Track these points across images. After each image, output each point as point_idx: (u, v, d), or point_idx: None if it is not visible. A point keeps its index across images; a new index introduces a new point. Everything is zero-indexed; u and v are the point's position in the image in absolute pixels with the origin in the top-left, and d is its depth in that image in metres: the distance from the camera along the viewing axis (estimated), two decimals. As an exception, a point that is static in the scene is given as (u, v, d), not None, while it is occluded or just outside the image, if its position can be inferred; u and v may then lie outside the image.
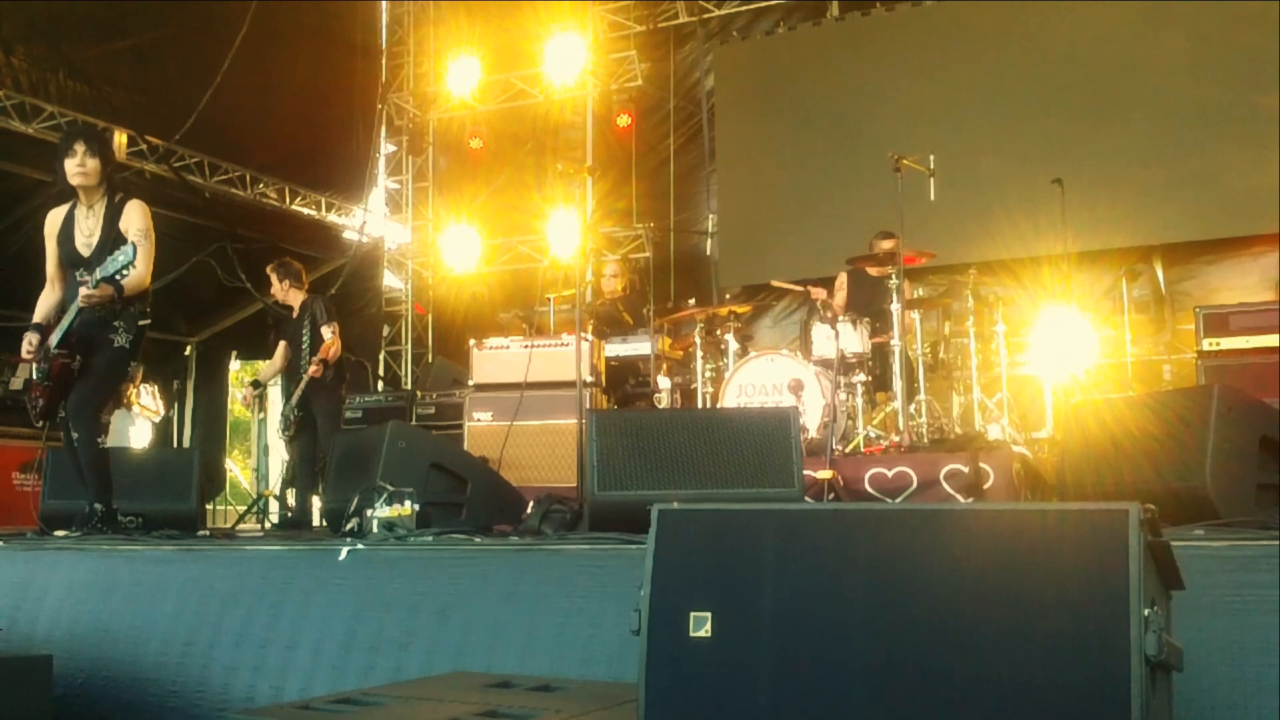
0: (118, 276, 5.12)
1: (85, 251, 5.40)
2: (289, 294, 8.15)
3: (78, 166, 5.33)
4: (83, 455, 5.35)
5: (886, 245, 7.91)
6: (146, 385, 11.82)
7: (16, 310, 9.79)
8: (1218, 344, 7.27)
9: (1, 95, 9.87)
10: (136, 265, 5.22)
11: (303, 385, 7.81)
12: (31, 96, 10.09)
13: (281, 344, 8.20)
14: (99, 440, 5.48)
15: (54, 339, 5.36)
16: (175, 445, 12.77)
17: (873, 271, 8.34)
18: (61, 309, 5.49)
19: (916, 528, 2.16)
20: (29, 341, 5.42)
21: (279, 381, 8.52)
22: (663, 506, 2.32)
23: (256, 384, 8.69)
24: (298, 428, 7.91)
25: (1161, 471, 4.25)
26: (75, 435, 5.33)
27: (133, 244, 5.15)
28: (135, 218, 5.38)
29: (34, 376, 5.41)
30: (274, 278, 8.23)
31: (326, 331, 7.85)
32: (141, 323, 5.43)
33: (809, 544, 2.21)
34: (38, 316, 5.55)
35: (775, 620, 2.16)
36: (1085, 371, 8.26)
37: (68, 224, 5.47)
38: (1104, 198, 9.42)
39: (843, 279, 8.61)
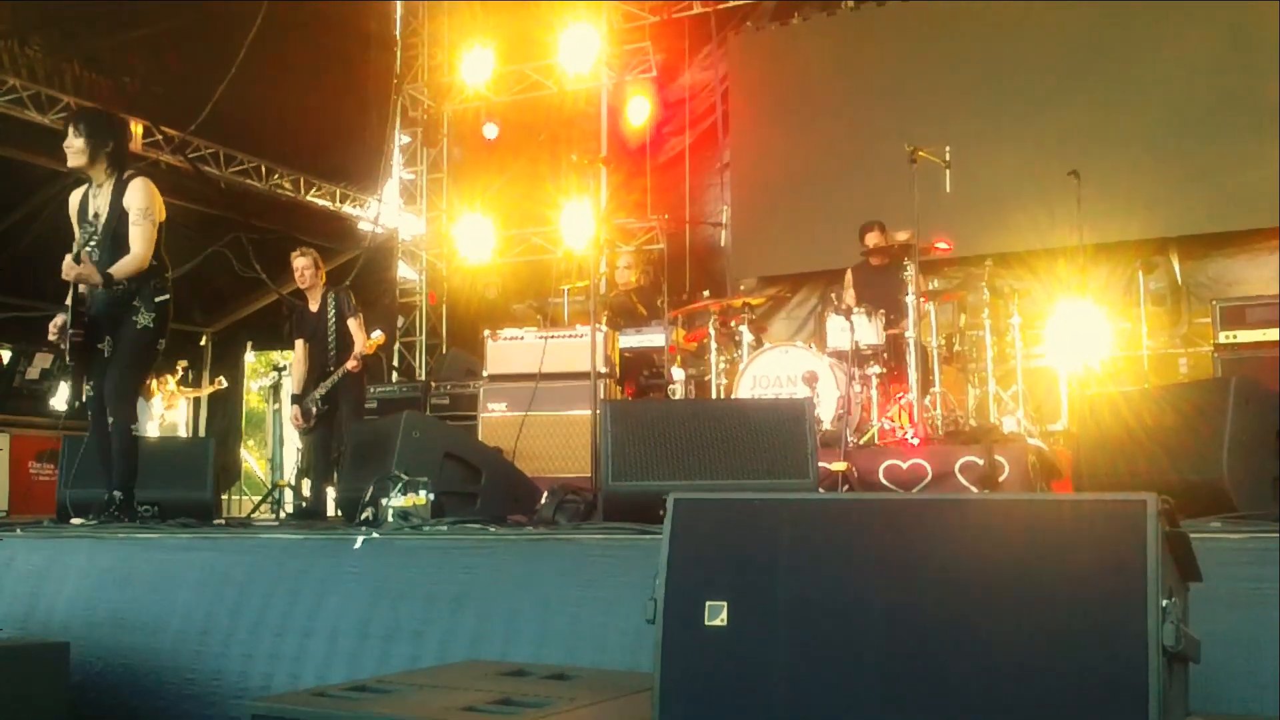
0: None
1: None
2: (315, 284, 8.12)
3: (67, 147, 5.40)
4: (116, 440, 5.36)
5: (871, 237, 8.34)
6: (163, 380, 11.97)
7: (33, 300, 9.87)
8: (1234, 336, 7.25)
9: (18, 85, 9.91)
10: (132, 245, 5.29)
11: (335, 379, 7.79)
12: (47, 87, 10.13)
13: (300, 342, 8.11)
14: (133, 426, 5.50)
15: (66, 319, 5.37)
16: (191, 435, 12.84)
17: (873, 261, 8.36)
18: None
19: (932, 518, 2.15)
20: (54, 323, 5.44)
21: (290, 370, 8.48)
22: (679, 495, 2.32)
23: (296, 398, 8.08)
24: (317, 419, 7.89)
25: (1178, 464, 4.23)
26: (111, 419, 5.36)
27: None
28: (137, 196, 5.38)
29: (65, 361, 5.45)
30: (307, 264, 8.06)
31: (353, 324, 7.85)
32: (160, 299, 5.43)
33: (824, 534, 2.21)
34: (69, 300, 5.58)
35: (790, 609, 2.15)
36: (1101, 364, 8.24)
37: (83, 205, 5.52)
38: (1120, 190, 9.39)
39: (849, 278, 8.61)
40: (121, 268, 5.28)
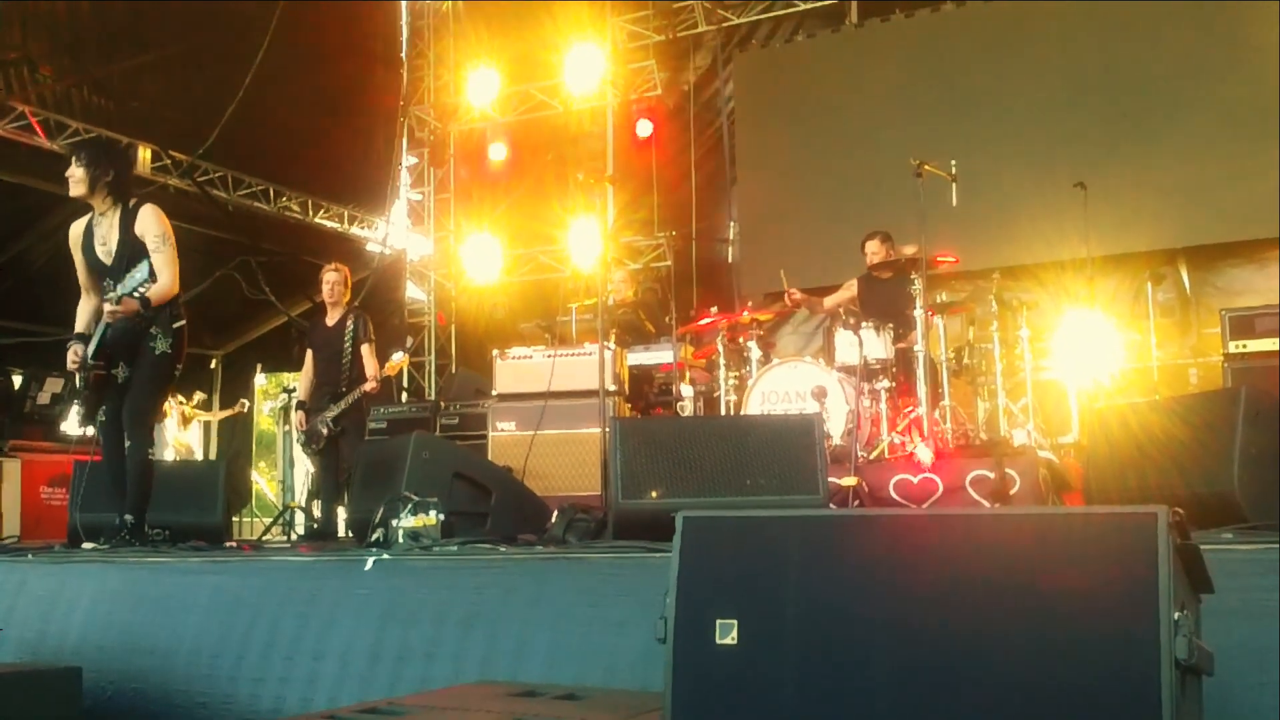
0: (136, 293, 5.17)
1: (106, 260, 5.48)
2: (339, 300, 8.03)
3: (68, 176, 5.44)
4: (131, 463, 5.40)
5: (871, 247, 8.32)
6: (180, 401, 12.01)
7: (41, 325, 9.90)
8: (1244, 346, 7.22)
9: (27, 111, 9.97)
10: (160, 274, 5.29)
11: (350, 400, 7.76)
12: (56, 112, 10.19)
13: (309, 353, 8.10)
14: (149, 450, 5.53)
15: (89, 350, 5.43)
16: (205, 457, 12.85)
17: (879, 274, 8.34)
18: (99, 317, 5.56)
19: (942, 533, 2.15)
20: (74, 352, 5.48)
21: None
22: (688, 513, 2.32)
23: (303, 404, 8.07)
24: (328, 440, 7.86)
25: (1188, 476, 4.22)
26: (128, 444, 5.40)
27: (147, 261, 5.20)
28: (150, 223, 5.42)
29: (78, 386, 5.48)
30: (339, 279, 8.01)
31: (365, 350, 7.84)
32: (176, 325, 5.47)
33: (834, 550, 2.21)
34: (79, 326, 5.63)
35: (800, 627, 2.15)
36: (1110, 376, 8.21)
37: (88, 234, 5.54)
38: (1127, 201, 9.37)
39: (853, 284, 8.59)
40: (157, 295, 5.30)
